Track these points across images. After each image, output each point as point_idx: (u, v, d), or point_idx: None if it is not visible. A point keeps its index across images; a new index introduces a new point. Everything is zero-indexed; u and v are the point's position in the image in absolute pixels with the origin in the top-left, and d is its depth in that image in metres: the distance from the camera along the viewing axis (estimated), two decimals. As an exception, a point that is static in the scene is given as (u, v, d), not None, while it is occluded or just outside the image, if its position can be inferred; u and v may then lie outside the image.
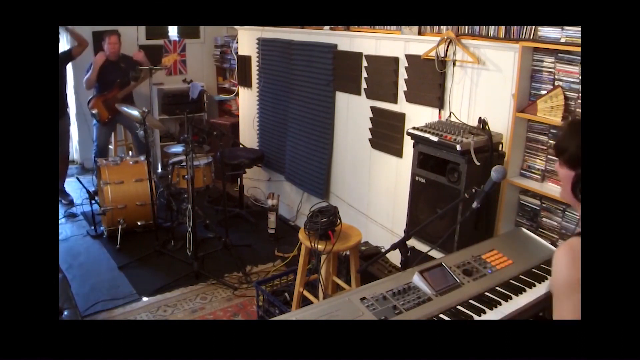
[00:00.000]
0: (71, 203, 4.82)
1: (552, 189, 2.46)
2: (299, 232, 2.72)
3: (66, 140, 4.86)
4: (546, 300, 1.78)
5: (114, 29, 4.87)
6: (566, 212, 2.44)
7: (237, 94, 5.50)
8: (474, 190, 2.00)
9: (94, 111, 4.66)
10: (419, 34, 3.12)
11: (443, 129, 2.59)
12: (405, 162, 3.24)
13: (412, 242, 2.69)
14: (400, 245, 2.06)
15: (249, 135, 5.18)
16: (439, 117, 2.99)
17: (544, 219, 2.54)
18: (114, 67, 4.63)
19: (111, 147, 5.24)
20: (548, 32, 2.37)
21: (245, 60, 5.03)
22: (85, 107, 5.54)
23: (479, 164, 2.43)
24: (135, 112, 3.76)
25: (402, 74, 3.23)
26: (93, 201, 4.20)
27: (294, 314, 1.55)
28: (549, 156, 2.50)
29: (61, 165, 4.80)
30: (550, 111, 2.37)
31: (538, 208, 2.57)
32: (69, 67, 5.61)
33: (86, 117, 5.47)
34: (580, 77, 2.26)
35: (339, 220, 2.63)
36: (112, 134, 5.09)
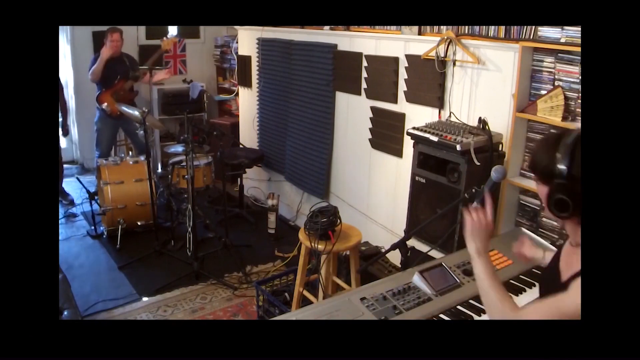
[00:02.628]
0: (71, 203, 4.82)
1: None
2: (299, 232, 2.72)
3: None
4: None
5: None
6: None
7: (237, 94, 5.50)
8: (474, 190, 2.00)
9: (104, 105, 4.59)
10: (419, 34, 3.12)
11: (443, 129, 2.59)
12: (405, 162, 3.24)
13: (412, 242, 2.69)
14: (400, 245, 2.06)
15: (249, 135, 5.18)
16: (439, 117, 2.98)
17: (544, 219, 2.54)
18: (116, 62, 4.61)
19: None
20: (548, 32, 2.37)
21: (245, 60, 5.03)
22: (84, 109, 5.57)
23: (479, 164, 2.43)
24: (135, 112, 3.76)
25: (402, 74, 3.23)
26: (93, 201, 4.20)
27: (294, 314, 1.55)
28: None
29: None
30: (550, 111, 2.37)
31: (538, 208, 2.57)
32: (69, 68, 5.62)
33: (87, 120, 5.46)
34: (580, 77, 2.26)
35: (339, 220, 2.63)
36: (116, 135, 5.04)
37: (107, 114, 4.63)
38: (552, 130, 2.25)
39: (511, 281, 1.83)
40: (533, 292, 1.77)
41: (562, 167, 1.18)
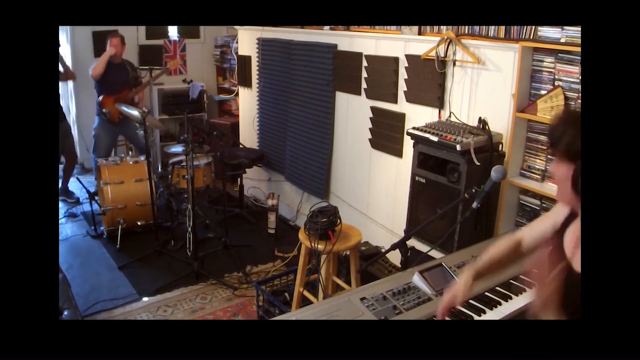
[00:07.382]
0: (77, 202, 4.82)
1: (552, 189, 2.46)
2: (299, 232, 2.72)
3: (71, 142, 4.84)
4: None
5: (115, 30, 4.87)
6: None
7: (237, 94, 5.50)
8: (474, 190, 2.00)
9: (105, 109, 4.57)
10: (419, 34, 3.12)
11: (443, 129, 2.59)
12: (405, 162, 3.24)
13: (412, 242, 2.69)
14: (400, 245, 2.06)
15: (249, 135, 5.18)
16: (439, 117, 2.98)
17: (544, 219, 2.54)
18: (118, 68, 4.61)
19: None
20: (548, 32, 2.37)
21: (245, 60, 5.03)
22: (84, 109, 5.57)
23: (479, 164, 2.43)
24: (135, 112, 3.76)
25: (402, 74, 3.23)
26: (93, 201, 4.20)
27: (294, 314, 1.55)
28: (549, 156, 2.50)
29: (68, 166, 4.80)
30: (550, 111, 2.37)
31: (538, 208, 2.57)
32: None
33: (87, 120, 5.47)
34: (580, 77, 2.26)
35: (339, 220, 2.63)
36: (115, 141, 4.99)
37: (107, 119, 4.61)
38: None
39: (511, 281, 1.83)
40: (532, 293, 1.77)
41: None
